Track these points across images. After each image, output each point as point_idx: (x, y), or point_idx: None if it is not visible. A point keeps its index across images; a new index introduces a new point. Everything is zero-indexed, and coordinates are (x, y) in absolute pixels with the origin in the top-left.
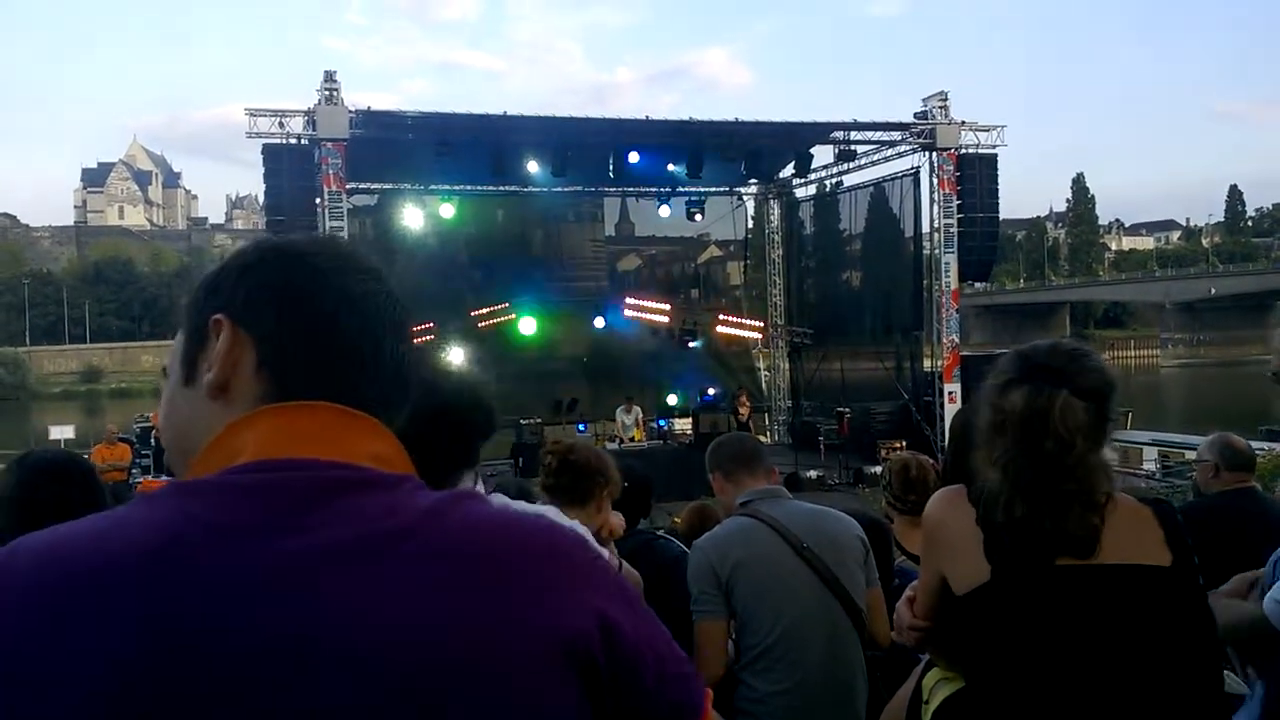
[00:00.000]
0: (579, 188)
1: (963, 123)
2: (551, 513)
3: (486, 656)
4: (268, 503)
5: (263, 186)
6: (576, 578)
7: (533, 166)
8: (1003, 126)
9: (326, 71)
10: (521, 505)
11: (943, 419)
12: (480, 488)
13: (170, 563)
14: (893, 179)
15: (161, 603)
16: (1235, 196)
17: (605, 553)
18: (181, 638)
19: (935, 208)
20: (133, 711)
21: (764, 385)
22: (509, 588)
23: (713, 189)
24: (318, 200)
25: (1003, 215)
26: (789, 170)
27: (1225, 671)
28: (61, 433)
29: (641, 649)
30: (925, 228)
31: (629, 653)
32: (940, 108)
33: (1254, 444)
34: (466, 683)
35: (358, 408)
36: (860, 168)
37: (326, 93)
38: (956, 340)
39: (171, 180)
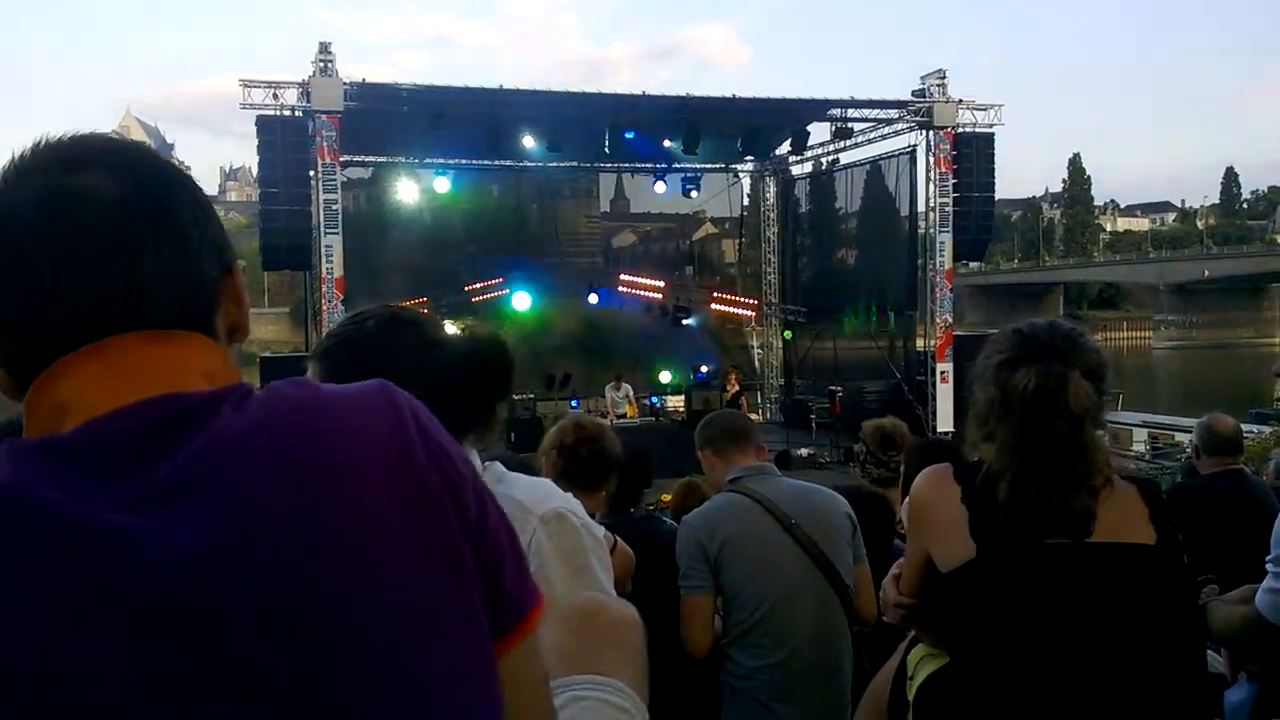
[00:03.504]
0: (574, 163)
1: (960, 101)
2: (562, 496)
3: (350, 529)
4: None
5: (256, 158)
6: (408, 427)
7: (528, 141)
8: (1000, 105)
9: (321, 43)
10: (524, 479)
11: (935, 399)
12: (476, 460)
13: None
14: (889, 157)
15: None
16: (1231, 178)
17: (599, 529)
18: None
19: (931, 186)
20: None
21: (757, 363)
22: (351, 454)
23: (708, 166)
24: (311, 172)
25: (998, 195)
26: (785, 147)
27: (1209, 651)
28: None
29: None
30: (921, 207)
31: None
32: (938, 86)
33: (1244, 426)
34: (344, 557)
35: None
36: (857, 145)
37: (321, 64)
38: (950, 320)
39: (165, 152)
